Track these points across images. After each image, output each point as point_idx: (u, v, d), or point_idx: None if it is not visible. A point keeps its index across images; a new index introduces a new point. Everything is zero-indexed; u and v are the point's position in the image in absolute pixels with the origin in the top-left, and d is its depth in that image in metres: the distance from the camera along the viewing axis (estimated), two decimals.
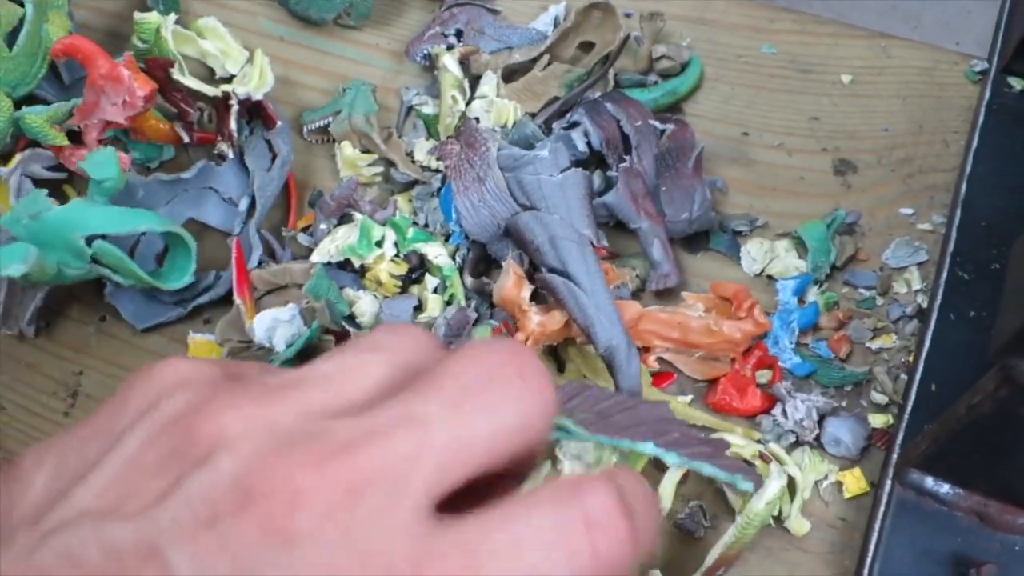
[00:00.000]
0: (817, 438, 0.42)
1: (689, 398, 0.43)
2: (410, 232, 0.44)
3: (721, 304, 0.42)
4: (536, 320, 0.40)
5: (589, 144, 0.44)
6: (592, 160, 0.45)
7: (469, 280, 0.44)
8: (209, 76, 0.52)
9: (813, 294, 0.45)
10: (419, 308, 0.44)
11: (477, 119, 0.47)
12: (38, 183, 0.48)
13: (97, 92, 0.45)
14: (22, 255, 0.39)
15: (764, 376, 0.43)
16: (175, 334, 0.46)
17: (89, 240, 0.41)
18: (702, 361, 0.42)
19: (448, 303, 0.43)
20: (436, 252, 0.43)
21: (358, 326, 0.43)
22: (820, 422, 0.42)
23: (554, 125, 0.46)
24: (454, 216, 0.44)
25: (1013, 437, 0.34)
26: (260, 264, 0.45)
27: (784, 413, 0.41)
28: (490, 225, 0.43)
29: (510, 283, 0.40)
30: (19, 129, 0.46)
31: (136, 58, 0.45)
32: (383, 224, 0.45)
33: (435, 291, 0.44)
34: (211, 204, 0.48)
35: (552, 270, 0.40)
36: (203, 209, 0.48)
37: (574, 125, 0.45)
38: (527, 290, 0.41)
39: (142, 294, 0.46)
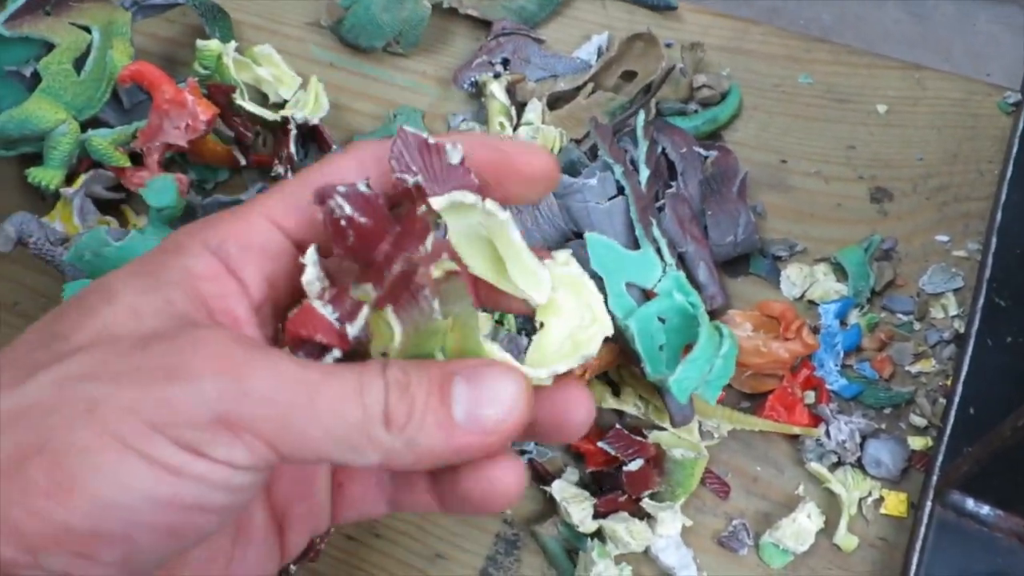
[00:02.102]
0: (858, 459, 0.43)
1: (746, 407, 0.44)
2: None
3: (768, 322, 0.43)
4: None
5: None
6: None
7: None
8: (263, 101, 0.54)
9: (854, 317, 0.46)
10: None
11: None
12: (99, 203, 0.50)
13: (161, 116, 0.46)
14: None
15: (810, 397, 0.44)
16: None
17: None
18: (752, 377, 0.43)
19: (499, 322, 0.45)
20: None
21: None
22: (861, 444, 0.43)
23: (599, 152, 0.47)
24: None
25: None
26: None
27: (827, 434, 0.42)
28: (541, 248, 0.44)
29: None
30: (84, 151, 0.48)
31: (198, 84, 0.47)
32: None
33: (484, 310, 0.45)
34: None
35: None
36: None
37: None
38: None
39: None
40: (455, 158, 0.25)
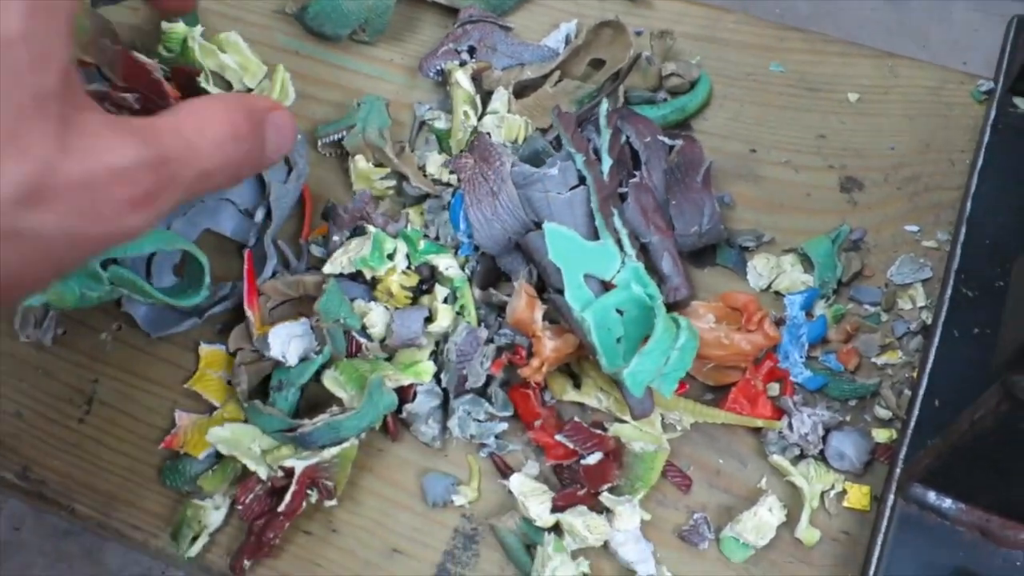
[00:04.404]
0: (821, 452, 0.42)
1: (709, 399, 0.44)
2: (421, 244, 0.45)
3: (731, 313, 0.43)
4: (551, 345, 0.40)
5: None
6: None
7: (478, 292, 0.45)
8: (227, 89, 0.53)
9: (820, 308, 0.46)
10: (430, 319, 0.44)
11: (488, 134, 0.48)
12: None
13: None
14: None
15: (774, 388, 0.43)
16: (189, 343, 0.47)
17: (104, 263, 0.42)
18: (714, 369, 0.43)
19: (459, 314, 0.44)
20: (447, 264, 0.44)
21: (369, 337, 0.44)
22: (824, 437, 0.42)
23: (563, 141, 0.47)
24: (463, 227, 0.45)
25: (1015, 453, 0.35)
26: (275, 274, 0.46)
27: (790, 426, 0.42)
28: (501, 239, 0.44)
29: (522, 304, 0.41)
30: None
31: (162, 66, 0.46)
32: (395, 237, 0.46)
33: (445, 301, 0.45)
34: (227, 215, 0.49)
35: (559, 291, 0.41)
36: (219, 220, 0.49)
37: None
38: (539, 310, 0.41)
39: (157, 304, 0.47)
40: None
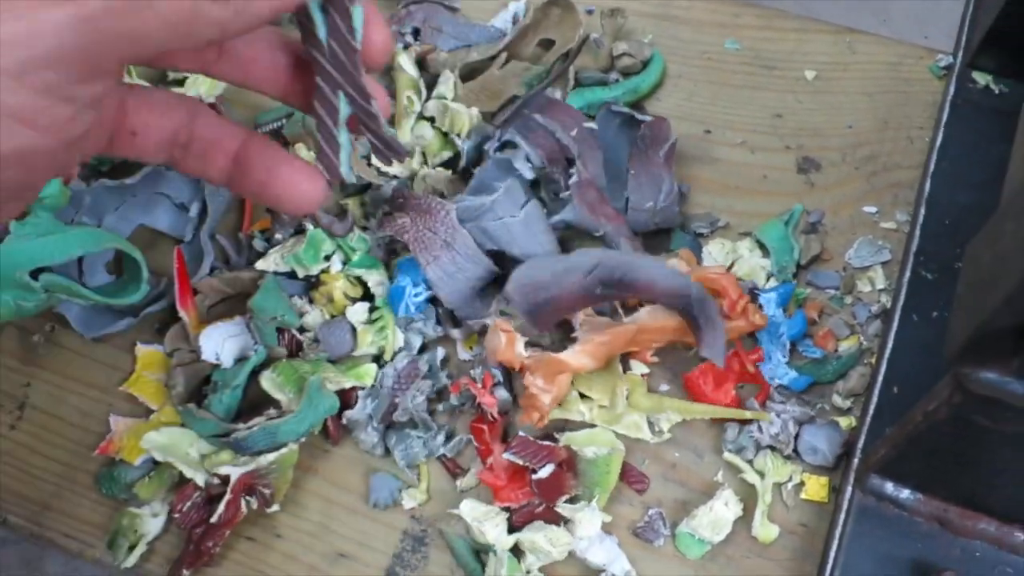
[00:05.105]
0: (795, 450, 0.41)
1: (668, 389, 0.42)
2: (355, 256, 0.43)
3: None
4: (548, 399, 0.39)
5: (533, 165, 0.43)
6: (541, 175, 0.44)
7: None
8: (160, 78, 0.51)
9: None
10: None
11: (409, 188, 0.46)
12: None
13: None
14: None
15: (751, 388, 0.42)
16: (126, 343, 0.45)
17: (35, 273, 0.39)
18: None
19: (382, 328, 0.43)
20: (377, 280, 0.43)
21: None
22: (796, 433, 0.41)
23: (486, 148, 0.45)
24: (410, 310, 0.43)
25: (969, 443, 0.33)
26: (213, 271, 0.44)
27: (760, 428, 0.41)
28: (466, 290, 0.42)
29: (503, 344, 0.39)
30: None
31: None
32: (343, 236, 0.43)
33: (373, 321, 0.43)
34: (162, 210, 0.47)
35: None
36: (154, 215, 0.47)
37: (507, 144, 0.44)
38: (520, 342, 0.40)
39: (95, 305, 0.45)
40: None
